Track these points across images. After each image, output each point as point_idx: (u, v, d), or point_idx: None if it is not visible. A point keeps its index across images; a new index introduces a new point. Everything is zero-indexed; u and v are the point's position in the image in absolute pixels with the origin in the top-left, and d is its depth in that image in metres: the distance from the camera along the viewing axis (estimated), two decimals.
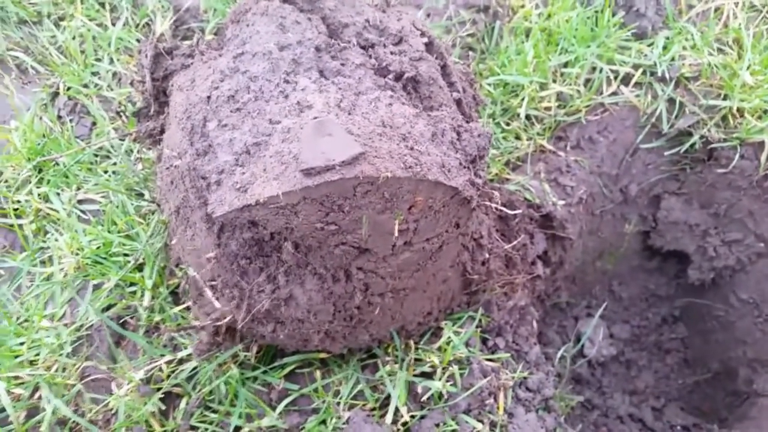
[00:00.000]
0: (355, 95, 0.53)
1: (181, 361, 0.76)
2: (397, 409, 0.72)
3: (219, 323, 0.62)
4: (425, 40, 0.64)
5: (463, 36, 1.06)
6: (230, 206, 0.46)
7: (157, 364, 0.75)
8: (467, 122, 0.62)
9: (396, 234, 0.54)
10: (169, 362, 0.76)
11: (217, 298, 0.61)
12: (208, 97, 0.52)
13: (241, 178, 0.45)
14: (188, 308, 0.76)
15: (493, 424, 0.74)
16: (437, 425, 0.72)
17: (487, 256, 0.74)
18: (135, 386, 0.73)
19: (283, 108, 0.50)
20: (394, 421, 0.72)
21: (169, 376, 0.75)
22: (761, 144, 1.01)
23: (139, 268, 0.81)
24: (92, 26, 1.02)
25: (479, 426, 0.72)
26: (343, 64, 0.57)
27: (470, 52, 1.03)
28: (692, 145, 1.05)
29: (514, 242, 0.81)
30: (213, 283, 0.60)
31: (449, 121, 0.57)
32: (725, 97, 1.02)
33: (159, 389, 0.74)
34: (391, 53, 0.60)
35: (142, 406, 0.73)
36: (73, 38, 1.01)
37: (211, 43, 0.66)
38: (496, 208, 0.71)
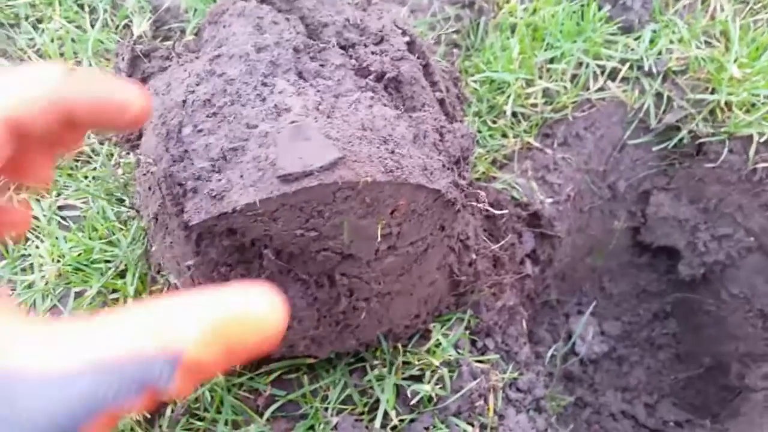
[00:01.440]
0: (335, 97, 0.52)
1: None
2: (386, 413, 0.71)
3: None
4: (407, 39, 0.63)
5: (447, 33, 1.05)
6: (207, 214, 0.45)
7: None
8: (450, 122, 0.61)
9: (379, 239, 0.53)
10: None
11: None
12: (184, 102, 0.51)
13: (217, 185, 0.44)
14: None
15: (483, 427, 0.73)
16: (427, 428, 0.71)
17: (474, 257, 0.73)
18: None
19: (260, 112, 0.49)
20: (384, 425, 0.71)
21: None
22: (749, 138, 1.00)
23: (121, 274, 0.79)
24: (71, 28, 1.00)
25: (469, 429, 0.71)
26: (322, 65, 0.55)
27: (455, 49, 1.02)
28: (680, 140, 1.04)
29: (502, 242, 0.80)
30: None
31: (432, 122, 0.56)
32: (713, 91, 1.01)
33: None
34: (372, 53, 0.59)
35: (125, 415, 0.71)
36: (52, 41, 1.00)
37: (188, 45, 0.65)
38: (483, 209, 0.70)
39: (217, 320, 0.26)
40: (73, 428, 0.26)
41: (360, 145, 0.48)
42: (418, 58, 0.63)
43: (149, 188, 0.53)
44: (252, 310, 0.27)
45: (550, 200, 0.94)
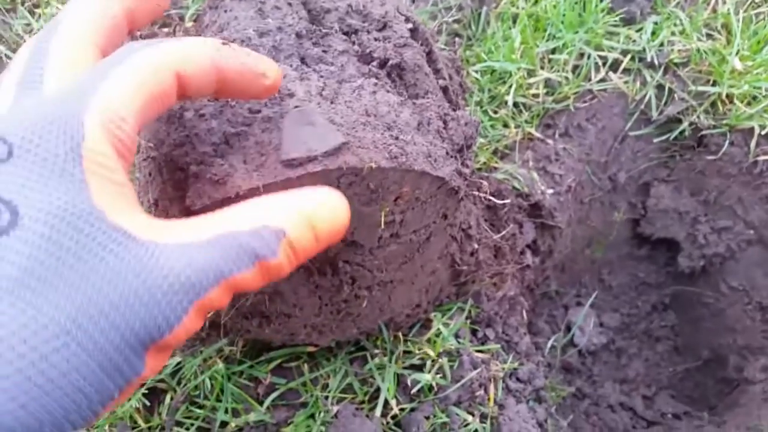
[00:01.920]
0: (338, 83, 0.52)
1: None
2: (386, 402, 0.71)
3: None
4: (410, 25, 0.63)
5: (449, 22, 1.04)
6: (209, 199, 0.45)
7: None
8: (454, 110, 0.60)
9: (382, 226, 0.53)
10: None
11: None
12: None
13: (219, 170, 0.44)
14: None
15: (483, 416, 0.73)
16: (427, 418, 0.71)
17: (475, 246, 0.73)
18: None
19: None
20: (384, 414, 0.71)
21: None
22: (750, 130, 1.00)
23: None
24: None
25: (469, 418, 0.71)
26: (325, 51, 0.55)
27: (457, 39, 1.02)
28: (681, 132, 1.04)
29: (503, 232, 0.80)
30: None
31: (435, 109, 0.56)
32: (714, 83, 1.01)
33: (143, 385, 0.73)
34: (375, 39, 0.58)
35: (125, 402, 0.71)
36: None
37: (188, 31, 0.64)
38: (485, 198, 0.69)
39: (307, 206, 0.33)
40: (200, 293, 0.30)
41: (364, 131, 0.47)
42: (422, 44, 0.62)
43: (149, 174, 0.53)
44: (330, 199, 0.35)
45: (551, 191, 0.94)
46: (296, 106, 0.46)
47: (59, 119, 0.30)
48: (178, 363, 0.74)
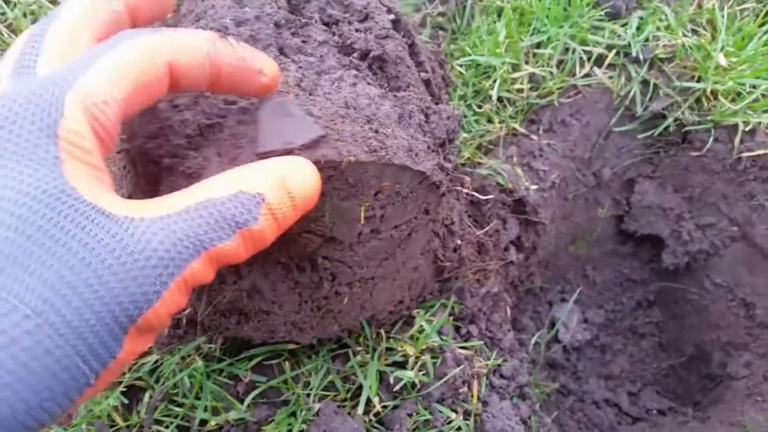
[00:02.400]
0: (317, 74, 0.51)
1: (143, 354, 0.73)
2: (369, 400, 0.70)
3: (178, 316, 0.60)
4: (392, 17, 0.61)
5: (433, 14, 1.03)
6: None
7: None
8: (436, 104, 0.60)
9: (362, 221, 0.52)
10: None
11: None
12: None
13: (193, 163, 0.43)
14: None
15: (466, 413, 0.72)
16: (410, 415, 0.70)
17: (458, 242, 0.72)
18: None
19: None
20: (366, 412, 0.70)
21: (130, 369, 0.72)
22: (735, 127, 1.00)
23: None
24: (44, 2, 0.98)
25: (453, 415, 0.71)
26: (304, 42, 0.54)
27: (441, 32, 1.01)
28: (666, 128, 1.03)
29: (487, 228, 0.79)
30: None
31: (417, 103, 0.55)
32: (699, 79, 1.01)
33: (120, 383, 0.71)
34: (356, 30, 0.57)
35: (103, 400, 0.70)
36: (24, 15, 0.97)
37: (166, 21, 0.63)
38: (467, 194, 0.68)
39: (280, 170, 0.34)
40: (180, 266, 0.30)
41: (343, 123, 0.46)
42: (404, 36, 0.61)
43: (123, 167, 0.51)
44: (299, 164, 0.36)
45: (534, 187, 0.94)
46: (273, 98, 0.45)
47: (40, 98, 0.29)
48: (157, 361, 0.72)
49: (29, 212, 0.27)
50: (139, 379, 0.72)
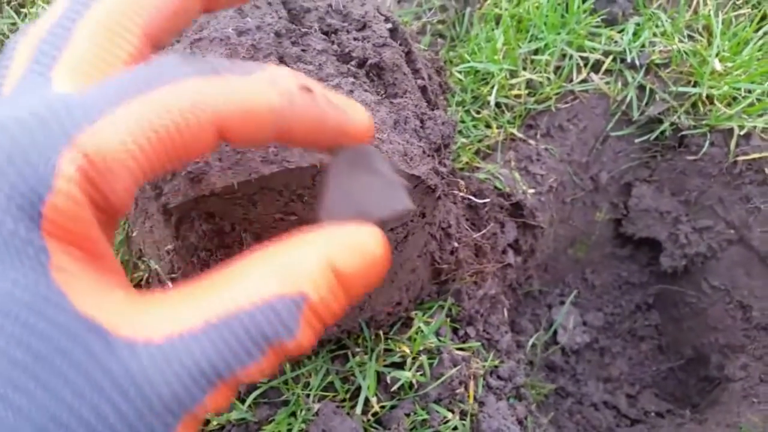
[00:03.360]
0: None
1: None
2: (367, 400, 0.72)
3: None
4: (389, 25, 0.63)
5: (433, 22, 1.05)
6: (185, 197, 0.45)
7: None
8: (432, 110, 0.61)
9: None
10: None
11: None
12: None
13: (195, 167, 0.44)
14: None
15: (463, 413, 0.74)
16: (407, 415, 0.72)
17: (455, 245, 0.73)
18: None
19: None
20: (365, 412, 0.72)
21: None
22: (730, 131, 1.01)
23: None
24: None
25: (449, 415, 0.72)
26: (304, 50, 0.55)
27: (440, 39, 1.02)
28: (662, 133, 1.05)
29: (484, 231, 0.80)
30: (173, 275, 0.59)
31: (412, 109, 0.56)
32: (695, 84, 1.02)
33: None
34: (354, 39, 0.59)
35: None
36: None
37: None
38: (464, 197, 0.70)
39: (332, 253, 0.25)
40: (189, 405, 0.23)
41: None
42: (401, 44, 0.63)
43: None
44: (367, 242, 0.26)
45: (532, 191, 0.95)
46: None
47: (25, 154, 0.22)
48: None
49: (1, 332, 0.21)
50: None
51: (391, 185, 0.31)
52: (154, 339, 0.23)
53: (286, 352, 0.24)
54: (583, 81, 1.03)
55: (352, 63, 0.58)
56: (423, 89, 0.64)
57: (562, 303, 1.20)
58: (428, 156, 0.56)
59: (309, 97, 0.27)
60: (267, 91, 0.26)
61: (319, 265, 0.24)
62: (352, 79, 0.55)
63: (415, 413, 0.71)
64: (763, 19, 1.07)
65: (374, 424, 0.72)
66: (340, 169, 0.31)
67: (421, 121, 0.57)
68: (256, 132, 0.26)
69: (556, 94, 1.02)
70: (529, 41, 1.02)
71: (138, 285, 0.78)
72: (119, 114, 0.23)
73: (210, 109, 0.24)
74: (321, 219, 0.30)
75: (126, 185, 0.23)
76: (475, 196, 0.82)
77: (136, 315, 0.23)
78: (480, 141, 0.98)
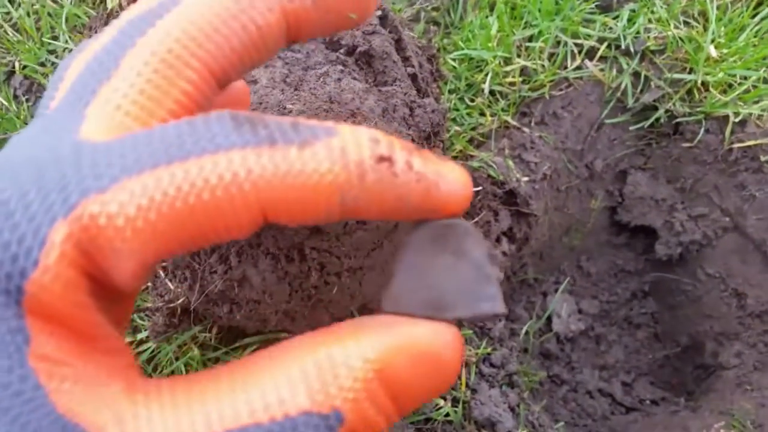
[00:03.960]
0: (303, 70, 0.52)
1: (140, 343, 0.75)
2: None
3: (173, 305, 0.61)
4: (379, 13, 0.63)
5: (427, 9, 1.04)
6: None
7: None
8: (422, 98, 0.61)
9: None
10: (129, 344, 0.75)
11: (170, 280, 0.60)
12: None
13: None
14: (147, 290, 0.75)
15: (455, 400, 0.74)
16: None
17: None
18: None
19: None
20: None
21: None
22: (725, 118, 1.01)
23: None
24: (47, 2, 0.99)
25: (441, 402, 0.72)
26: None
27: (434, 27, 1.02)
28: (657, 120, 1.04)
29: (477, 219, 0.80)
30: (165, 263, 0.59)
31: (402, 97, 0.56)
32: (690, 71, 1.01)
33: None
34: None
35: None
36: (28, 15, 0.98)
37: None
38: None
39: (389, 356, 0.20)
40: None
41: (326, 117, 0.48)
42: (390, 32, 0.63)
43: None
44: (430, 343, 0.20)
45: (526, 179, 0.95)
46: (261, 94, 0.47)
47: (13, 220, 0.18)
48: (153, 349, 0.74)
49: None
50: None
51: (481, 276, 0.24)
52: None
53: None
54: (578, 68, 1.02)
55: (341, 51, 0.57)
56: (413, 77, 0.64)
57: (558, 291, 1.20)
58: (418, 144, 0.56)
59: (387, 169, 0.21)
60: (332, 167, 0.20)
61: (364, 373, 0.19)
62: (340, 67, 0.55)
63: None
64: (759, 5, 1.07)
65: None
66: (418, 245, 0.24)
67: (411, 110, 0.57)
68: (314, 214, 0.21)
69: (551, 81, 1.01)
70: (524, 28, 1.01)
71: None
72: (135, 183, 0.19)
73: (253, 188, 0.20)
74: (383, 307, 0.24)
75: (131, 266, 0.20)
76: None
77: (129, 418, 0.19)
78: (474, 129, 0.97)
